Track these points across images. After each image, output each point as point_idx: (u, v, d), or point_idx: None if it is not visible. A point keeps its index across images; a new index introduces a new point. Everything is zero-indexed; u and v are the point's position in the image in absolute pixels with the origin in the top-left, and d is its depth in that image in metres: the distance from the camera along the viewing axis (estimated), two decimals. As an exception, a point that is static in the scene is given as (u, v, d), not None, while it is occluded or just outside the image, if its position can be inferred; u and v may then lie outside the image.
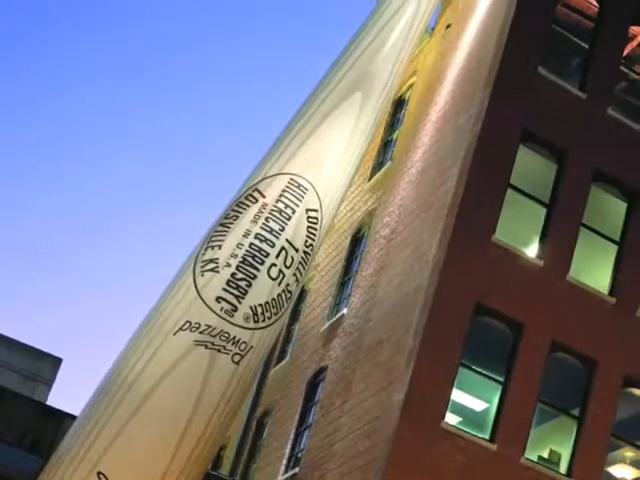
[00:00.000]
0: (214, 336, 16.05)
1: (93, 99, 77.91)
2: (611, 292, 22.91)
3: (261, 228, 17.03)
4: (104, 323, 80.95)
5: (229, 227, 16.91)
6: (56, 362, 31.19)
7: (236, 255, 16.75)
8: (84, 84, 74.80)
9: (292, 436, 27.67)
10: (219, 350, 16.22)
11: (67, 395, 64.13)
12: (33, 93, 78.58)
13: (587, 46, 24.71)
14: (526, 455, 21.81)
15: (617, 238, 23.56)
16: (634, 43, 25.32)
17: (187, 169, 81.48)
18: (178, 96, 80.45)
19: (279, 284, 17.20)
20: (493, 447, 21.42)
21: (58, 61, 79.05)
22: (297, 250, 17.41)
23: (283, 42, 79.94)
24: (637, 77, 25.84)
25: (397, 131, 28.86)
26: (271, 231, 17.00)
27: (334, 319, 27.53)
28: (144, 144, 78.79)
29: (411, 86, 28.85)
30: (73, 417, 16.60)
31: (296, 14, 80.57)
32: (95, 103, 79.67)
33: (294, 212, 17.62)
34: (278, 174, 17.86)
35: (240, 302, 16.65)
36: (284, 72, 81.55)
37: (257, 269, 16.88)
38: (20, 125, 77.03)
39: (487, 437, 21.62)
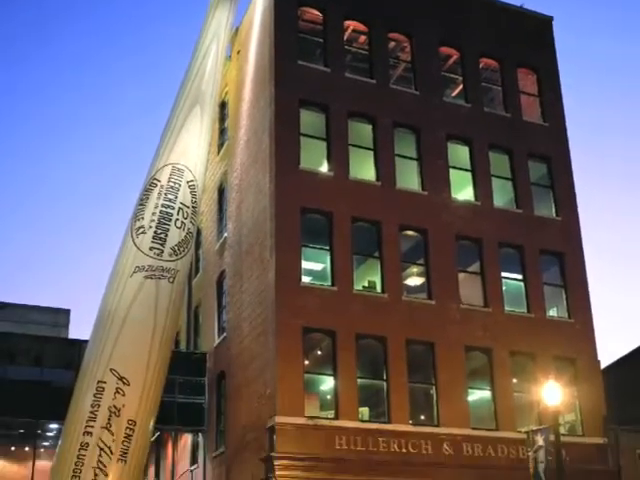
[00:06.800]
0: (154, 270, 23.24)
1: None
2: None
3: (164, 200, 24.69)
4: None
5: (145, 204, 24.75)
6: (66, 312, 38.45)
7: (154, 220, 24.23)
8: None
9: (216, 314, 32.65)
10: (159, 278, 22.94)
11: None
12: None
13: (322, 40, 31.16)
14: (354, 287, 27.63)
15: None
16: (349, 30, 32.16)
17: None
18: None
19: (183, 230, 24.68)
20: (334, 289, 27.02)
21: None
22: (188, 207, 25.18)
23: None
24: (358, 50, 32.13)
25: (227, 121, 34.43)
26: (170, 200, 24.88)
27: (221, 240, 32.91)
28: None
29: (227, 92, 34.62)
30: (86, 342, 23.12)
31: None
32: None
33: (180, 185, 25.50)
34: (164, 165, 26.00)
35: (164, 246, 23.90)
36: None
37: (168, 225, 24.19)
38: None
39: (329, 284, 27.23)
